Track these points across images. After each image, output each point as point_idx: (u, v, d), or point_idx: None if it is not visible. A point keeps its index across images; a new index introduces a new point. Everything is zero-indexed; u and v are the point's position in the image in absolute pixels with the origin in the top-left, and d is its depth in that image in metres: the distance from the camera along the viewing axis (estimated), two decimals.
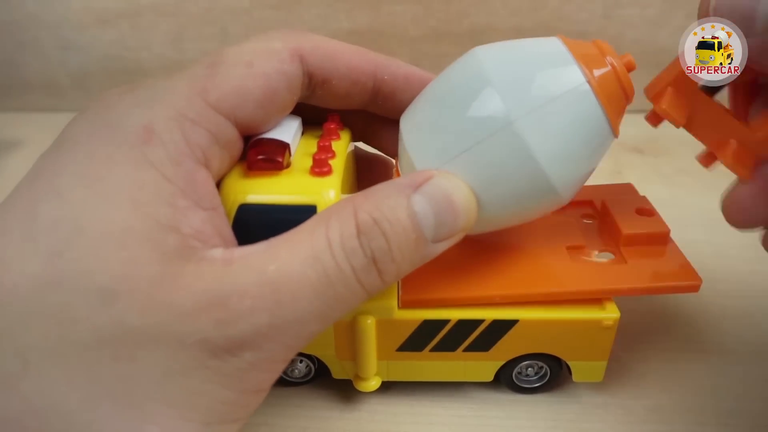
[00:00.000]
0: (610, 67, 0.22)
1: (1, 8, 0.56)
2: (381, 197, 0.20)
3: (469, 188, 0.22)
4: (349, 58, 0.24)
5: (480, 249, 0.27)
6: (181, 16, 0.56)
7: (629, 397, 0.28)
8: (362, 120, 0.28)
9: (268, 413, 0.27)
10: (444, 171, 0.22)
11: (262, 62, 0.22)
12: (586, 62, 0.22)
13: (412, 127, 0.24)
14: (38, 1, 0.55)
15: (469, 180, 0.22)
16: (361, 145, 0.30)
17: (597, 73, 0.22)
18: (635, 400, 0.28)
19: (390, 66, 0.25)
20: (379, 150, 0.30)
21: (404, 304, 0.25)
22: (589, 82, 0.22)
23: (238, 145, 0.23)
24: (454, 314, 0.25)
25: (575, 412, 0.27)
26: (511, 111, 0.21)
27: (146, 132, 0.19)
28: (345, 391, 0.28)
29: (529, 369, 0.27)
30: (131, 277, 0.17)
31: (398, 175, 0.27)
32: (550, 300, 0.25)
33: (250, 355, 0.18)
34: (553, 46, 0.23)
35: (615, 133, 0.23)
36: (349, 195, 0.21)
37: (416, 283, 0.26)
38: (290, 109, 0.24)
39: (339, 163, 0.24)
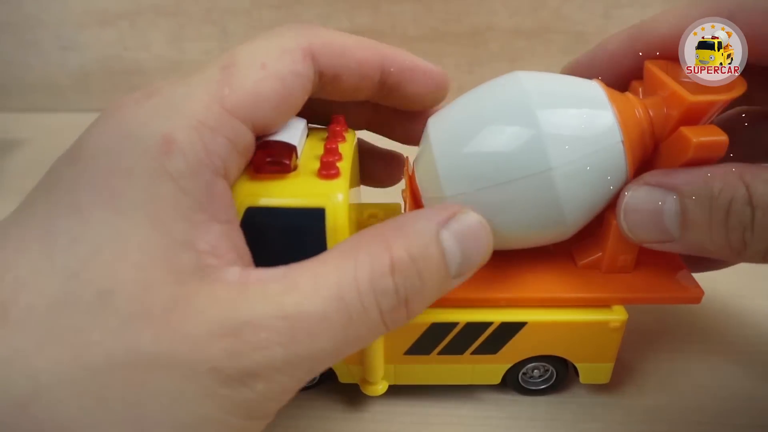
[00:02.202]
0: (640, 124, 0.23)
1: (1, 8, 0.56)
2: (414, 233, 0.19)
3: (488, 227, 0.22)
4: (358, 53, 0.24)
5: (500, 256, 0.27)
6: (181, 16, 0.56)
7: (629, 397, 0.28)
8: (365, 111, 0.28)
9: None
10: (468, 207, 0.22)
11: (275, 63, 0.22)
12: (624, 118, 0.23)
13: (444, 144, 0.24)
14: (38, 1, 0.55)
15: (491, 209, 0.23)
16: (366, 134, 0.30)
17: (629, 128, 0.23)
18: (635, 400, 0.28)
19: (397, 58, 0.25)
20: (383, 135, 0.30)
21: None
22: (623, 141, 0.23)
23: (252, 149, 0.22)
24: (463, 317, 0.25)
25: (575, 412, 0.27)
26: (552, 159, 0.22)
27: (166, 143, 0.19)
28: (345, 391, 0.28)
29: (535, 371, 0.27)
30: (146, 301, 0.17)
31: (410, 174, 0.27)
32: (555, 305, 0.25)
33: (261, 386, 0.18)
34: (596, 95, 0.24)
35: (630, 180, 0.24)
36: (377, 225, 0.20)
37: None
38: (300, 108, 0.24)
39: (346, 166, 0.24)
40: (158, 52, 0.57)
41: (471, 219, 0.21)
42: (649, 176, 0.23)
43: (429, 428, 0.27)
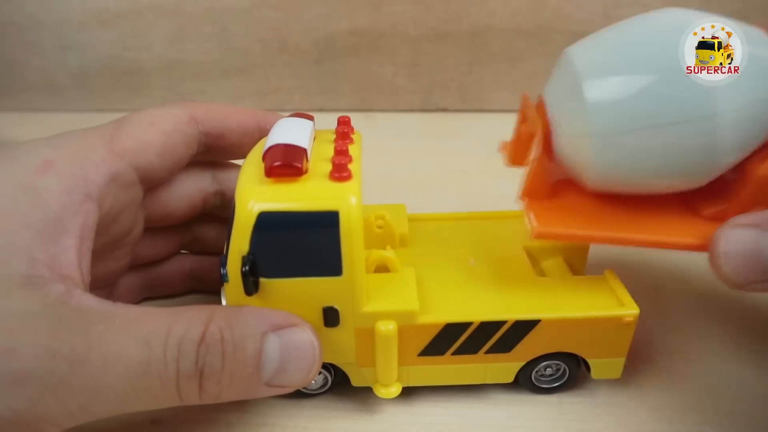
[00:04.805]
0: None
1: (1, 8, 0.56)
2: (239, 320, 0.21)
3: (320, 353, 0.23)
4: (238, 115, 0.28)
5: (611, 196, 0.26)
6: (181, 16, 0.56)
7: (629, 397, 0.28)
8: None
9: (268, 413, 0.27)
10: (308, 325, 0.23)
11: (162, 122, 0.26)
12: None
13: (596, 73, 0.23)
14: (38, 1, 0.55)
15: (641, 152, 0.22)
16: None
17: None
18: (635, 400, 0.28)
19: (271, 118, 0.28)
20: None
21: (537, 236, 0.25)
22: None
23: (136, 189, 0.26)
24: (477, 316, 0.25)
25: (575, 412, 0.27)
26: (719, 104, 0.21)
27: (46, 164, 0.21)
28: (344, 391, 0.28)
29: (548, 369, 0.27)
30: None
31: (541, 107, 0.25)
32: (657, 246, 0.24)
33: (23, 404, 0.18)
34: (764, 38, 0.22)
35: None
36: (213, 306, 0.22)
37: (550, 219, 0.25)
38: (187, 162, 0.28)
39: (357, 168, 0.24)
40: (158, 52, 0.57)
41: (303, 337, 0.22)
42: (739, 219, 0.22)
43: (430, 428, 0.27)
